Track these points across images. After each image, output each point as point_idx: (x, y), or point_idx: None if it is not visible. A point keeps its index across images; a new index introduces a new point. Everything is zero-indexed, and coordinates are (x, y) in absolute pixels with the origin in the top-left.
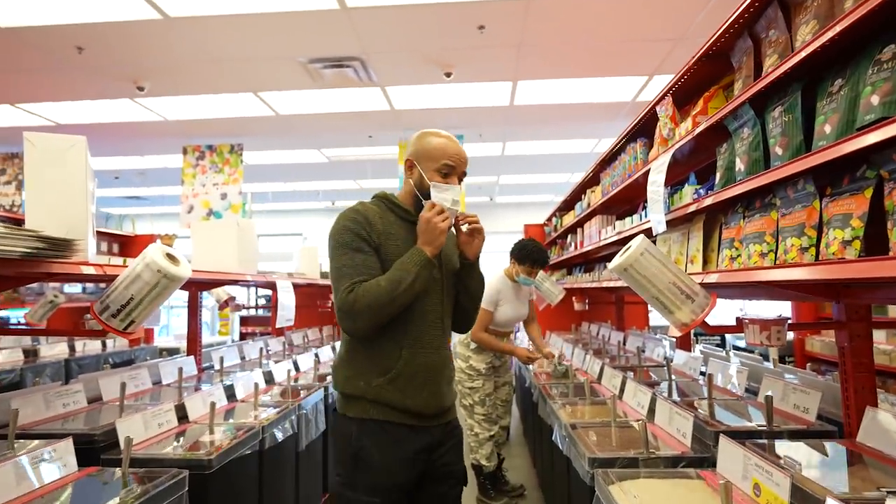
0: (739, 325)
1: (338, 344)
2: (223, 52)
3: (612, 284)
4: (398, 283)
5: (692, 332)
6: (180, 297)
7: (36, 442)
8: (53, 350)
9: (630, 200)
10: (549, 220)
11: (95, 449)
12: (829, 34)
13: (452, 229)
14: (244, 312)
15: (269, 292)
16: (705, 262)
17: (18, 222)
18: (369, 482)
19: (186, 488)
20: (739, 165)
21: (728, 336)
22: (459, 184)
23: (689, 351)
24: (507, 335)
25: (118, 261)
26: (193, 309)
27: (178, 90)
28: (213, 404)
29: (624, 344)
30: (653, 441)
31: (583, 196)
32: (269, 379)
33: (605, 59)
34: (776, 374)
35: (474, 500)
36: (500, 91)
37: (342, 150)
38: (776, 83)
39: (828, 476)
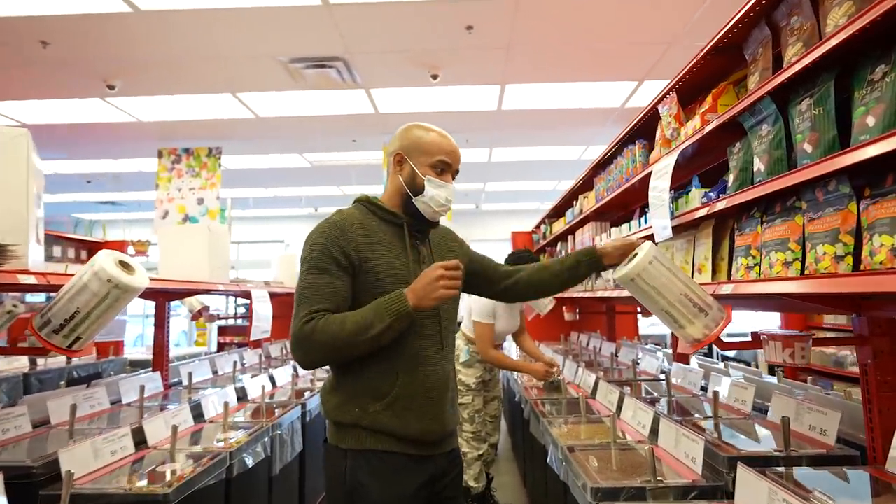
0: (756, 341)
1: None
2: (199, 50)
3: (605, 294)
4: (365, 329)
5: None
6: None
7: None
8: (11, 364)
9: (625, 206)
10: (538, 227)
11: (34, 484)
12: (871, 15)
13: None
14: (222, 322)
15: (249, 301)
16: (714, 271)
17: None
18: None
19: None
20: (759, 165)
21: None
22: (452, 182)
23: (687, 363)
24: (499, 347)
25: (60, 267)
26: (160, 320)
27: (151, 90)
28: (174, 427)
29: (616, 355)
30: (658, 467)
31: (574, 202)
32: (243, 395)
33: (596, 61)
34: (785, 391)
35: None
36: (487, 95)
37: (325, 154)
38: (803, 74)
39: None
